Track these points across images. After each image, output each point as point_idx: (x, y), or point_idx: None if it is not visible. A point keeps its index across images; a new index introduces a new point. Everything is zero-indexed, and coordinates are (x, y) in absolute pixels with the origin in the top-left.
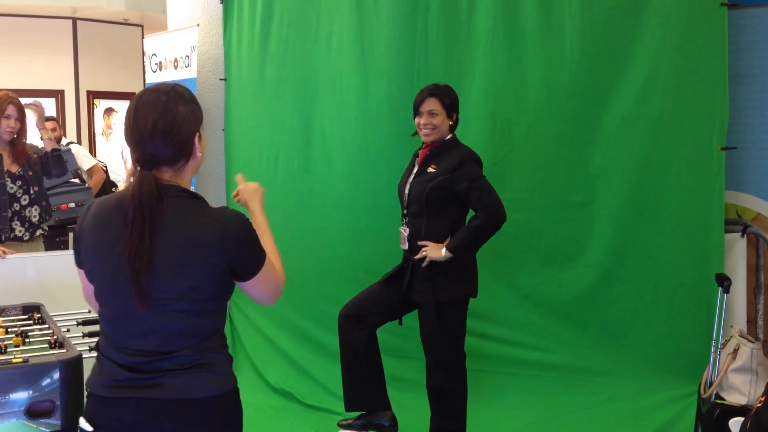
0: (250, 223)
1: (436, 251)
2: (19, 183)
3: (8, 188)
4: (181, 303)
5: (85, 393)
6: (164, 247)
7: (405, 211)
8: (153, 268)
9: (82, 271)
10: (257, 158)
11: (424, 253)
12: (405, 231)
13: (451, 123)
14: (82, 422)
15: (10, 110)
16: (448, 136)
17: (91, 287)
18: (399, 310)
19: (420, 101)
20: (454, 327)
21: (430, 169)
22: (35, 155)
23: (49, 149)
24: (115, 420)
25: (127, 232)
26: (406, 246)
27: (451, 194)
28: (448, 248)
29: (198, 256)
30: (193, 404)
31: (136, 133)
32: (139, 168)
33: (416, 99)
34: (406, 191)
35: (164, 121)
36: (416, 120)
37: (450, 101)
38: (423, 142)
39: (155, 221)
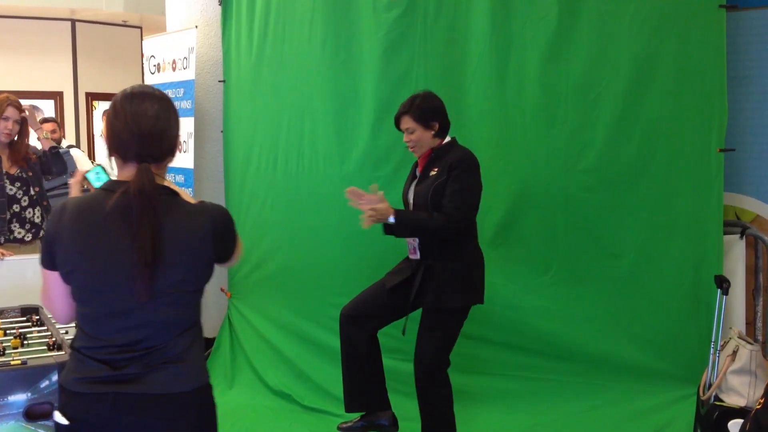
0: (228, 211)
1: (384, 212)
2: (18, 184)
3: (7, 190)
4: (171, 296)
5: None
6: (166, 242)
7: None
8: (154, 261)
9: (53, 273)
10: (256, 159)
11: (370, 212)
12: (414, 241)
13: (433, 132)
14: (57, 415)
15: (9, 112)
16: (447, 140)
17: (61, 288)
18: (402, 313)
19: (396, 122)
20: (454, 333)
21: (432, 173)
22: (34, 155)
23: (46, 148)
24: (92, 414)
25: (131, 228)
26: (417, 255)
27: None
28: (396, 217)
29: (191, 250)
30: (171, 399)
31: (137, 134)
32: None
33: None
34: (410, 199)
35: (163, 125)
36: None
37: (422, 113)
38: None
39: (158, 213)
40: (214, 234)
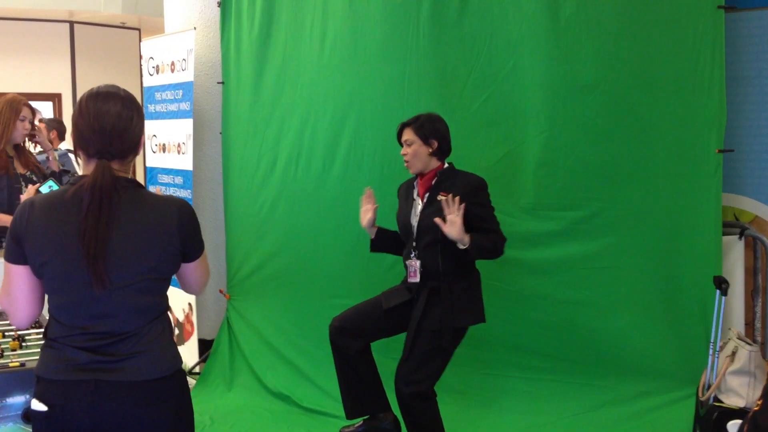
0: (191, 206)
1: (458, 232)
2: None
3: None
4: (142, 284)
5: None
6: (125, 232)
7: (414, 244)
8: (114, 251)
9: (20, 268)
10: (255, 162)
11: (448, 228)
12: (416, 263)
13: (430, 150)
14: (35, 403)
15: (25, 112)
16: (445, 166)
17: (28, 284)
18: (396, 332)
19: (398, 134)
20: (452, 352)
21: (441, 197)
22: (40, 166)
23: (56, 169)
24: (71, 401)
25: (82, 217)
26: (417, 279)
27: (466, 219)
28: (472, 242)
29: (159, 239)
30: (150, 385)
31: (99, 131)
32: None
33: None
34: (415, 223)
35: (124, 123)
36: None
37: (423, 129)
38: (417, 175)
39: (111, 207)
40: (180, 223)
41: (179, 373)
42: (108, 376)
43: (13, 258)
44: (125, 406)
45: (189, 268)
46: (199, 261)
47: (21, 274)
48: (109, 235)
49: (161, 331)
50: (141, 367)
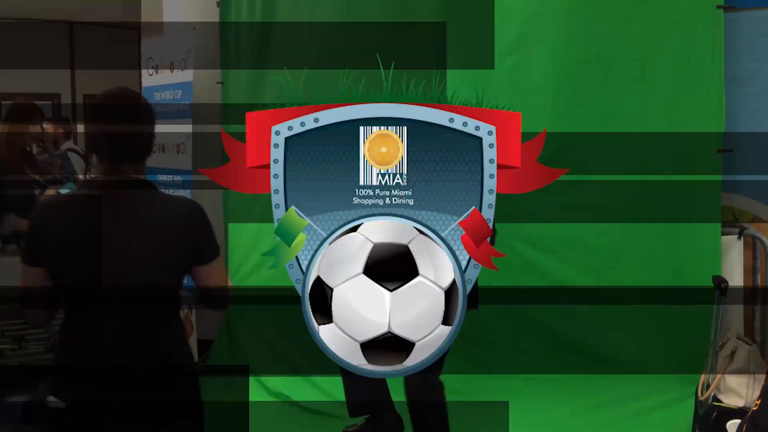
0: (202, 207)
1: None
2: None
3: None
4: (153, 283)
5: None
6: (135, 232)
7: None
8: (125, 251)
9: (37, 269)
10: None
11: None
12: None
13: None
14: (51, 400)
15: (36, 116)
16: None
17: (46, 282)
18: None
19: None
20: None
21: None
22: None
23: (56, 172)
24: (85, 396)
25: (93, 218)
26: None
27: None
28: None
29: (168, 239)
30: (161, 382)
31: (109, 134)
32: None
33: None
34: None
35: (135, 125)
36: None
37: None
38: None
39: (122, 207)
40: (190, 223)
41: (191, 371)
42: (121, 372)
43: (29, 259)
44: (138, 402)
45: (204, 273)
46: (215, 265)
47: (37, 274)
48: (120, 235)
49: (173, 329)
50: (153, 364)
